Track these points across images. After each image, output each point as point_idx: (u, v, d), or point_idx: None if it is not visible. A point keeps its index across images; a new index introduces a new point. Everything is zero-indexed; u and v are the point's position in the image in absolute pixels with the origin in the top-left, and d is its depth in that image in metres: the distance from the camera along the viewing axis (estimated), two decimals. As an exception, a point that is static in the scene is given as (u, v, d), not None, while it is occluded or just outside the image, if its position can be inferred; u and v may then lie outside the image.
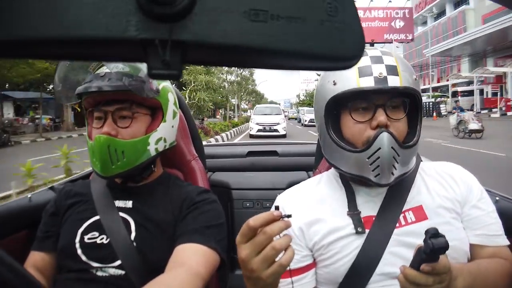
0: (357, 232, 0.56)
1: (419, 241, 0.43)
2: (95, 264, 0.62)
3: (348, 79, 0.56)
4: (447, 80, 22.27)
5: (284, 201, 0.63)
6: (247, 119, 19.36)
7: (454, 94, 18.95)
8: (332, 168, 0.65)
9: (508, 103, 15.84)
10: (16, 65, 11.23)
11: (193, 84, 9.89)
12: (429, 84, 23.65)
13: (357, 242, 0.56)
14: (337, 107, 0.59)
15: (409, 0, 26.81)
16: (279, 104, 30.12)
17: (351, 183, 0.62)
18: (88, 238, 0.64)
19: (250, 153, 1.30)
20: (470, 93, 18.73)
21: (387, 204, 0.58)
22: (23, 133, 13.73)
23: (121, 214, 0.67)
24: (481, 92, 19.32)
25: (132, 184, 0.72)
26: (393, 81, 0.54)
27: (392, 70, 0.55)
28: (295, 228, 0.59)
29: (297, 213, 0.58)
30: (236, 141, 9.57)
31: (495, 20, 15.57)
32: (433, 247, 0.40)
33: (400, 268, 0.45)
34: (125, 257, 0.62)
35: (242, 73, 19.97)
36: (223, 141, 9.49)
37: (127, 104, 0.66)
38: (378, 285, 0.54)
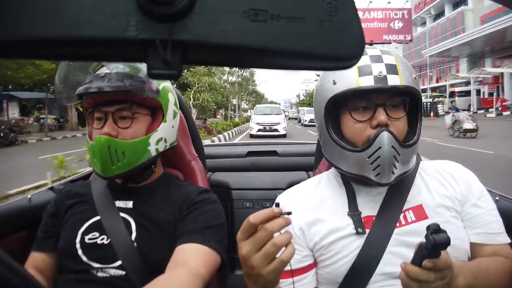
0: (358, 233, 0.56)
1: (420, 240, 0.43)
2: (95, 265, 0.62)
3: (348, 79, 0.56)
4: (446, 81, 22.34)
5: (284, 201, 0.63)
6: (248, 119, 19.48)
7: (452, 94, 19.04)
8: (332, 168, 0.65)
9: (504, 103, 15.99)
10: (23, 66, 11.45)
11: (197, 86, 10.10)
12: (428, 84, 23.72)
13: (358, 242, 0.56)
14: (337, 107, 0.59)
15: (408, 1, 26.92)
16: (279, 104, 30.15)
17: (352, 183, 0.62)
18: (89, 239, 0.64)
19: (250, 153, 1.30)
20: (467, 93, 18.84)
21: (387, 204, 0.58)
22: (29, 132, 13.96)
23: (122, 214, 0.67)
24: (478, 92, 19.44)
25: (133, 185, 0.72)
26: (393, 80, 0.54)
27: (392, 69, 0.55)
28: (296, 228, 0.59)
29: (298, 213, 0.58)
30: (236, 140, 9.67)
31: (493, 21, 15.63)
32: (434, 242, 0.39)
33: (401, 265, 0.44)
34: (126, 258, 0.61)
35: (243, 74, 20.11)
36: (226, 140, 9.64)
37: (127, 104, 0.66)
38: (379, 285, 0.54)
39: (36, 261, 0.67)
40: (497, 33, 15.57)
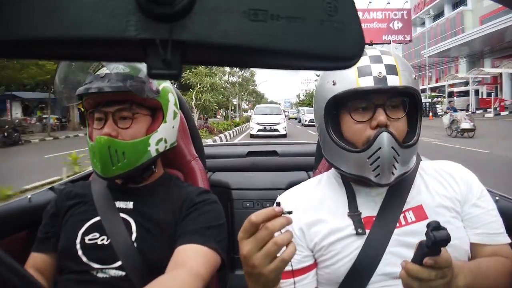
0: (358, 233, 0.56)
1: (420, 240, 0.43)
2: (95, 265, 0.62)
3: (348, 79, 0.56)
4: (446, 81, 22.38)
5: (284, 201, 0.63)
6: (248, 119, 19.57)
7: (450, 94, 19.09)
8: (332, 168, 0.65)
9: (502, 103, 16.07)
10: (27, 67, 11.59)
11: (199, 86, 10.24)
12: (427, 84, 23.76)
13: (358, 243, 0.56)
14: (336, 107, 0.59)
15: (407, 2, 26.96)
16: (279, 104, 30.17)
17: (352, 183, 0.62)
18: (89, 239, 0.64)
19: (250, 153, 1.30)
20: (466, 93, 18.92)
21: (387, 204, 0.58)
22: (31, 132, 14.12)
23: (122, 215, 0.67)
24: (477, 92, 19.50)
25: (133, 185, 0.72)
26: (393, 81, 0.54)
27: (392, 69, 0.55)
28: (296, 228, 0.59)
29: (298, 213, 0.58)
30: (237, 140, 9.76)
31: (492, 21, 15.65)
32: (435, 239, 0.39)
33: (401, 264, 0.44)
34: (126, 258, 0.61)
35: (243, 75, 20.20)
36: (227, 139, 9.75)
37: (127, 105, 0.66)
38: (379, 285, 0.54)
39: (36, 262, 0.67)
40: (496, 34, 15.59)
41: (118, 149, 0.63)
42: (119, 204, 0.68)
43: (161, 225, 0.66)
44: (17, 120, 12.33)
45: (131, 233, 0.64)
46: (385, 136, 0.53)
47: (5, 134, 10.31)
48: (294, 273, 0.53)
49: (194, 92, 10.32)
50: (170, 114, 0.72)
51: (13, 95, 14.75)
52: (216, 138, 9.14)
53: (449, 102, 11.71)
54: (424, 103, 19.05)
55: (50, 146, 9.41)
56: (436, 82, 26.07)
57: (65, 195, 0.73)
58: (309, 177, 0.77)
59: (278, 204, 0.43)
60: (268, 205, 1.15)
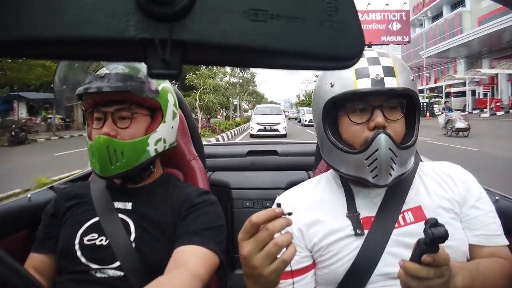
0: (356, 234, 0.56)
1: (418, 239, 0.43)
2: (94, 266, 0.62)
3: (345, 81, 0.56)
4: (444, 81, 22.46)
5: (283, 202, 0.63)
6: (248, 119, 19.66)
7: (448, 94, 19.18)
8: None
9: (498, 104, 16.17)
10: (33, 68, 11.80)
11: (202, 87, 10.37)
12: (425, 85, 23.82)
13: (356, 243, 0.56)
14: (334, 109, 0.59)
15: (406, 3, 27.04)
16: (279, 104, 30.21)
17: (350, 184, 0.62)
18: (88, 240, 0.64)
19: (250, 153, 1.30)
20: (463, 94, 19.01)
21: (386, 205, 0.58)
22: (36, 132, 14.30)
23: (121, 215, 0.67)
24: (473, 93, 19.59)
25: (132, 185, 0.72)
26: (390, 82, 0.54)
27: (389, 71, 0.55)
28: (295, 229, 0.59)
29: (297, 214, 0.58)
30: (237, 140, 9.86)
31: (490, 22, 15.73)
32: (433, 236, 0.39)
33: (399, 263, 0.44)
34: (124, 259, 0.61)
35: (244, 75, 20.28)
36: (229, 138, 9.96)
37: (126, 105, 0.66)
38: (378, 286, 0.54)
39: (35, 262, 0.67)
40: (494, 34, 15.67)
41: (117, 149, 0.63)
42: (118, 205, 0.68)
43: (160, 225, 0.66)
44: (23, 120, 12.52)
45: (129, 233, 0.64)
46: (382, 137, 0.53)
47: (13, 133, 10.50)
48: (293, 273, 0.53)
49: (198, 93, 10.51)
50: (169, 114, 0.72)
51: (19, 96, 14.86)
52: (219, 137, 9.55)
53: (445, 102, 11.77)
54: (422, 103, 19.13)
55: (56, 145, 9.62)
56: (435, 82, 26.16)
57: (64, 195, 0.72)
58: (309, 177, 0.77)
59: (279, 205, 0.43)
60: (268, 204, 1.15)
